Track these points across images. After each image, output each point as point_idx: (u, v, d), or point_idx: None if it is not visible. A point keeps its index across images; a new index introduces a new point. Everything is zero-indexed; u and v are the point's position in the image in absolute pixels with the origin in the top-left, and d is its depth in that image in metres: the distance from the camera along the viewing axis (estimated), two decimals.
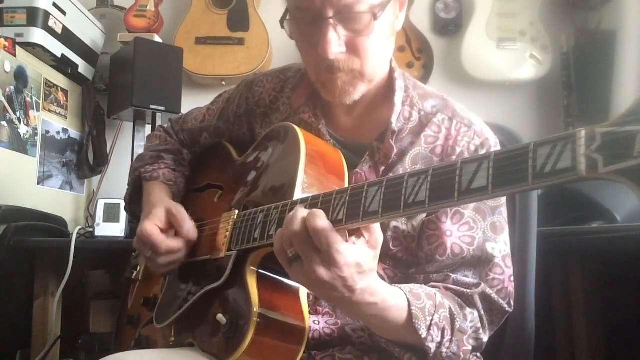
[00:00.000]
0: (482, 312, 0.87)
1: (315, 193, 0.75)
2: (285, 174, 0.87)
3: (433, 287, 0.87)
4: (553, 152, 0.50)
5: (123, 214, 1.88)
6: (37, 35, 1.95)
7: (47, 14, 1.98)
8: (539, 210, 1.14)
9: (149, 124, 2.21)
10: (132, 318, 1.12)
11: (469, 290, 0.87)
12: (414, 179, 0.62)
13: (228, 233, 0.91)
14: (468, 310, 0.86)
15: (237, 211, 0.92)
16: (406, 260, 0.94)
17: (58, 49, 2.06)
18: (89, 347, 1.90)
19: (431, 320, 0.80)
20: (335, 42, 0.86)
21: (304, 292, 0.85)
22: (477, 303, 0.87)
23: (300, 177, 0.84)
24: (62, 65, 2.14)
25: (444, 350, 0.82)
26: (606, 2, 2.25)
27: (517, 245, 1.06)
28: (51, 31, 2.01)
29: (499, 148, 0.97)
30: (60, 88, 2.20)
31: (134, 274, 1.19)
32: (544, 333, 1.18)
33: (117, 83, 2.22)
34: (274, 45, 2.33)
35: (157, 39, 2.28)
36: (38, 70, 2.03)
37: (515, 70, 2.32)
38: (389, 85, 1.00)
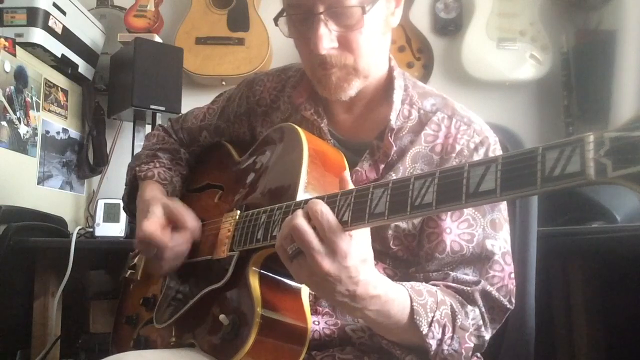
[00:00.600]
0: (483, 310, 0.87)
1: (318, 194, 0.76)
2: (287, 175, 0.87)
3: (433, 285, 0.87)
4: (562, 156, 0.50)
5: (123, 214, 1.88)
6: (37, 35, 1.94)
7: (47, 14, 1.98)
8: (539, 210, 1.14)
9: (149, 124, 2.21)
10: (130, 318, 1.12)
11: (469, 288, 0.87)
12: (420, 181, 0.62)
13: (230, 233, 0.90)
14: (469, 307, 0.86)
15: (239, 211, 0.92)
16: (406, 260, 0.94)
17: (58, 49, 2.06)
18: (89, 347, 1.90)
19: (432, 317, 0.80)
20: (327, 38, 0.87)
21: (305, 292, 0.85)
22: (478, 300, 0.87)
23: (303, 178, 0.84)
24: (62, 65, 2.14)
25: (445, 347, 0.82)
26: (606, 2, 2.25)
27: (517, 245, 1.06)
28: (51, 31, 2.00)
29: (498, 147, 0.97)
30: (60, 88, 2.20)
31: (130, 274, 1.19)
32: (544, 333, 1.18)
33: (117, 83, 2.21)
34: (274, 45, 2.33)
35: (157, 39, 2.28)
36: (38, 70, 2.02)
37: (515, 70, 2.31)
38: (388, 83, 1.00)
